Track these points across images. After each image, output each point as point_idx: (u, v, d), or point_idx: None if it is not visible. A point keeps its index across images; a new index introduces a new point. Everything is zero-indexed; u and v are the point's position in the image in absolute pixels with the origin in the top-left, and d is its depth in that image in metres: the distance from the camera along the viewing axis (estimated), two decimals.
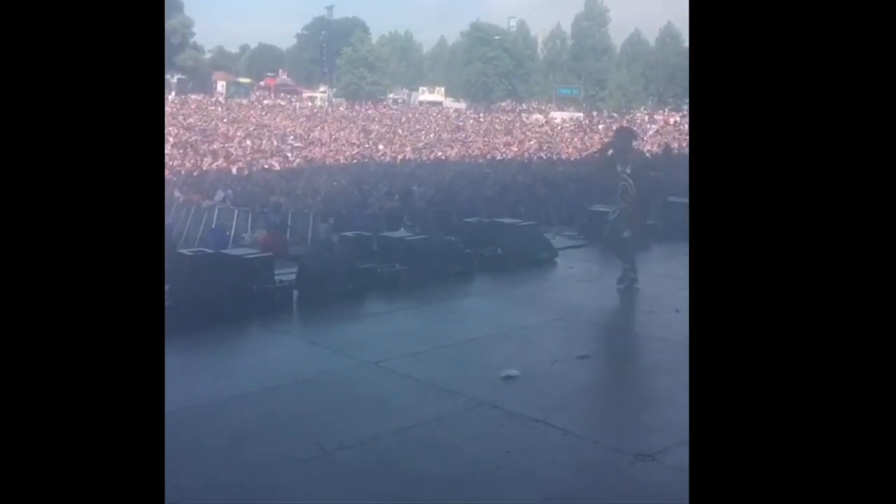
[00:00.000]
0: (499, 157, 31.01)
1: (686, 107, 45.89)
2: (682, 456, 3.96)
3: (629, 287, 7.81)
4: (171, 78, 63.33)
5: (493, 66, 64.39)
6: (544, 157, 29.44)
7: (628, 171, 7.75)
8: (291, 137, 34.62)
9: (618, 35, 65.90)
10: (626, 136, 8.46)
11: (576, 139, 39.02)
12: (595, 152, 10.88)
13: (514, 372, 5.24)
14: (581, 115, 56.61)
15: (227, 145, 30.07)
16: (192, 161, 25.10)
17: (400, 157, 29.61)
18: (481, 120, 51.80)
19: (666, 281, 8.25)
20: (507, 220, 9.58)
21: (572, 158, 28.23)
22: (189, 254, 7.60)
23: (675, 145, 25.31)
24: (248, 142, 31.69)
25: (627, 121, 48.07)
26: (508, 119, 52.99)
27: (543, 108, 63.33)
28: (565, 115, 57.34)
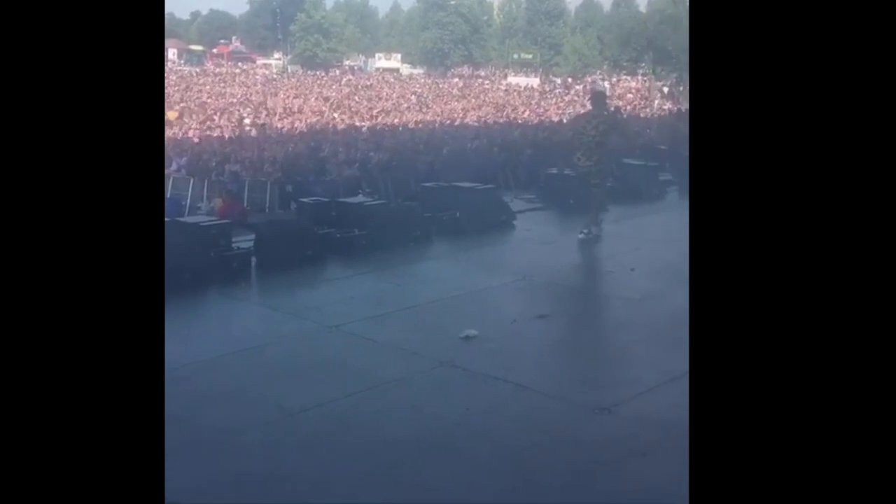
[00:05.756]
0: (457, 122, 30.89)
1: (640, 71, 46.29)
2: (637, 408, 4.11)
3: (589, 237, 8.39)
4: None
5: (448, 32, 63.85)
6: (501, 122, 29.40)
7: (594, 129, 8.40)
8: (247, 106, 34.02)
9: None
10: (600, 98, 9.34)
11: (532, 103, 39.06)
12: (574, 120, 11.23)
13: (473, 332, 5.29)
14: (537, 80, 56.53)
15: (180, 114, 29.44)
16: None
17: (357, 124, 29.29)
18: (439, 86, 51.45)
19: (621, 241, 8.39)
20: (465, 185, 9.56)
21: (530, 123, 28.23)
22: None
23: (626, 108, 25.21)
24: (200, 111, 31.05)
25: (591, 82, 48.48)
26: (465, 85, 52.72)
27: (499, 73, 63.16)
28: (521, 80, 57.20)
